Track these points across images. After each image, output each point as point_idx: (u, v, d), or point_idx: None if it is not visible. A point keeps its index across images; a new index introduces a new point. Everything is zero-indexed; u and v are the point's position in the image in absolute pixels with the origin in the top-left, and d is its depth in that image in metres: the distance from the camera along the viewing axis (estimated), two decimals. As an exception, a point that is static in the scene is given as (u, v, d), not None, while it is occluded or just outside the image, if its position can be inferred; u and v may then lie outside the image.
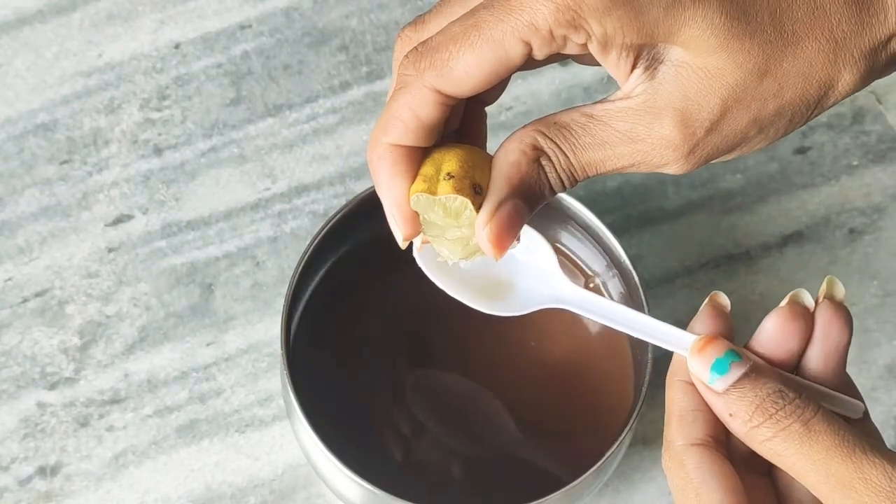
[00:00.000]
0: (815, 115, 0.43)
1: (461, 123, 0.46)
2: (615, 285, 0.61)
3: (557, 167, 0.43)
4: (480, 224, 0.42)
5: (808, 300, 0.46)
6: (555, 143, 0.42)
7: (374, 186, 0.60)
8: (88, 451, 0.64)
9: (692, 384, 0.45)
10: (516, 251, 0.49)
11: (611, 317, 0.48)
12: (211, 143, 0.71)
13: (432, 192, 0.42)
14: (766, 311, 0.70)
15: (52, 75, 0.73)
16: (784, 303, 0.46)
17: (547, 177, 0.43)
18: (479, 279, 0.49)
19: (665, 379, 0.46)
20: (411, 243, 0.45)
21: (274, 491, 0.64)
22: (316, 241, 0.58)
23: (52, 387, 0.65)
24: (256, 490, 0.64)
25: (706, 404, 0.45)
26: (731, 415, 0.43)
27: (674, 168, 0.43)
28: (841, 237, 0.71)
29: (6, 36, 0.74)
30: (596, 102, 0.43)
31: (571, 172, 0.43)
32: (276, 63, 0.74)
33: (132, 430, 0.65)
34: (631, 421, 0.56)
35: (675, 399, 0.46)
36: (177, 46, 0.74)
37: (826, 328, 0.45)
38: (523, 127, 0.43)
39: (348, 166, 0.71)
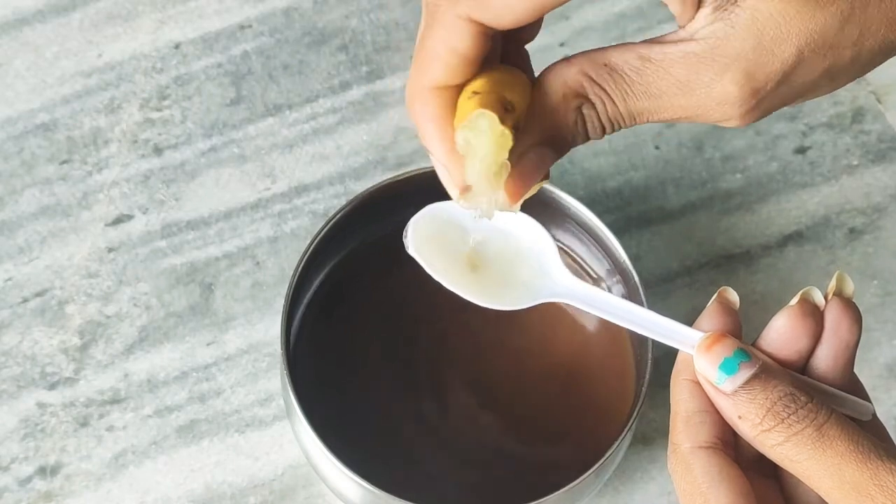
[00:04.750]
0: (886, 60, 0.40)
1: (502, 61, 0.42)
2: (619, 290, 0.61)
3: (602, 116, 0.39)
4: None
5: (819, 298, 0.44)
6: (603, 89, 0.39)
7: (373, 186, 0.60)
8: (88, 451, 0.64)
9: (698, 384, 0.43)
10: (517, 241, 0.48)
11: (615, 312, 0.46)
12: (211, 143, 0.71)
13: (461, 121, 0.38)
14: (766, 311, 0.70)
15: (52, 75, 0.73)
16: (794, 301, 0.44)
17: (585, 125, 0.39)
18: (478, 273, 0.47)
19: (667, 379, 0.45)
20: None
21: (274, 491, 0.64)
22: (316, 241, 0.58)
23: (52, 387, 0.65)
24: (256, 490, 0.64)
25: (713, 405, 0.43)
26: (739, 417, 0.42)
27: (734, 123, 0.40)
28: (841, 237, 0.71)
29: (6, 36, 0.74)
30: (653, 41, 0.39)
31: (617, 121, 0.39)
32: (276, 63, 0.74)
33: (132, 430, 0.65)
34: (631, 421, 0.56)
35: (681, 399, 0.44)
36: (177, 46, 0.74)
37: (835, 326, 0.44)
38: (568, 61, 0.39)
39: (348, 166, 0.71)
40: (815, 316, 0.44)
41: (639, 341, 0.59)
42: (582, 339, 0.62)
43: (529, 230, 0.48)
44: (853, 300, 0.45)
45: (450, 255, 0.47)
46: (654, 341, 0.56)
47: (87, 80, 0.73)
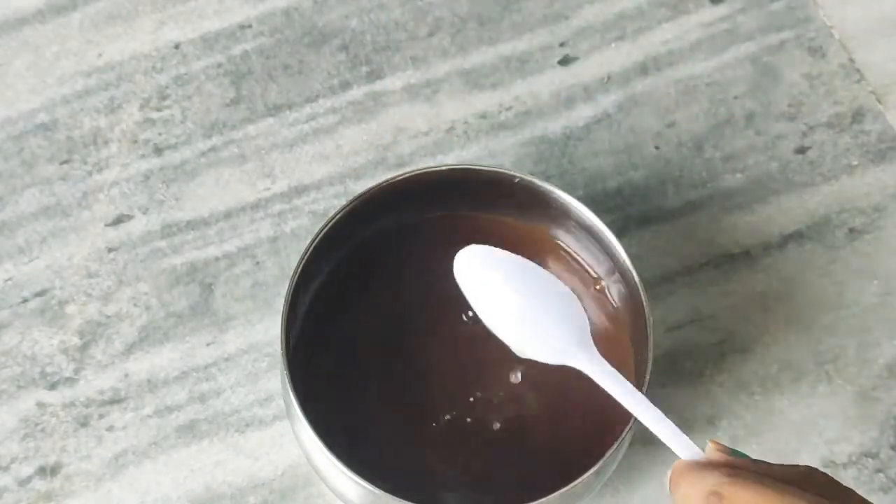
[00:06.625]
0: None
1: None
2: (618, 289, 0.61)
3: None
4: None
5: None
6: None
7: (373, 186, 0.60)
8: (88, 451, 0.64)
9: None
10: (557, 304, 0.54)
11: (629, 400, 0.52)
12: (211, 143, 0.71)
13: None
14: (766, 311, 0.70)
15: (52, 75, 0.73)
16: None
17: None
18: (518, 324, 0.54)
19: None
20: None
21: (274, 491, 0.64)
22: (316, 241, 0.58)
23: (52, 387, 0.65)
24: (256, 490, 0.64)
25: None
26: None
27: None
28: (841, 236, 0.71)
29: (6, 36, 0.74)
30: None
31: None
32: (276, 63, 0.74)
33: (132, 430, 0.65)
34: (631, 421, 0.56)
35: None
36: (177, 46, 0.74)
37: None
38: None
39: (348, 166, 0.71)
40: None
41: (639, 341, 0.59)
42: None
43: (572, 303, 0.55)
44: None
45: (492, 294, 0.54)
46: (653, 341, 0.57)
47: (87, 80, 0.73)
